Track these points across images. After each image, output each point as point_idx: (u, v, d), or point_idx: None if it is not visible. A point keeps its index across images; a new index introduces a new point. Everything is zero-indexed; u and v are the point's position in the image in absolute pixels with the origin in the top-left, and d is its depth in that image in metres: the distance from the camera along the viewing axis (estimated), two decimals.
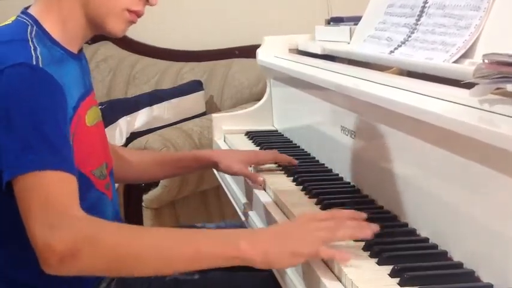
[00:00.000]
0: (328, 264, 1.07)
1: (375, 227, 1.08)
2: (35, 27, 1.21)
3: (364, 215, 1.12)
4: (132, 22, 1.28)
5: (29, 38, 1.18)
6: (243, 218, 1.60)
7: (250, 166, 1.62)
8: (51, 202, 1.03)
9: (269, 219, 1.36)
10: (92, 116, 1.29)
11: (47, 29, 1.22)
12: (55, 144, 1.09)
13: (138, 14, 1.27)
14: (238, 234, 1.10)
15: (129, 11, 1.25)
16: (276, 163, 1.65)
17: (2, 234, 1.22)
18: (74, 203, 1.06)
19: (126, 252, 1.03)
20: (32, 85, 1.12)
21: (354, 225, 1.08)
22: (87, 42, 1.37)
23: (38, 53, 1.16)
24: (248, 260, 1.04)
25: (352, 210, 1.13)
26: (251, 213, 1.51)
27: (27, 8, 1.26)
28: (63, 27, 1.24)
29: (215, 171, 1.90)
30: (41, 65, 1.14)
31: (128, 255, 1.03)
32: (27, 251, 1.16)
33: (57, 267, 1.01)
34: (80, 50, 1.31)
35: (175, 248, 1.04)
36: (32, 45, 1.17)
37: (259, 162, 1.63)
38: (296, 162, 1.61)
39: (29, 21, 1.22)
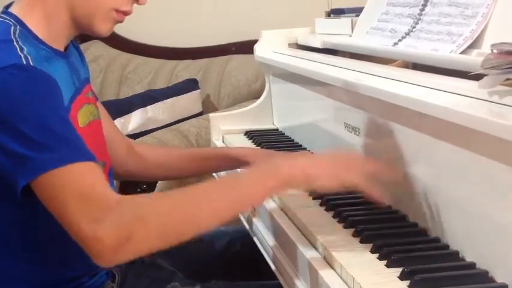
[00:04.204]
0: (333, 267, 1.05)
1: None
2: (18, 26, 1.18)
3: None
4: (119, 21, 1.25)
5: (13, 38, 1.15)
6: (244, 222, 1.56)
7: None
8: (87, 195, 1.02)
9: (271, 221, 1.34)
10: (84, 115, 1.26)
11: (31, 28, 1.19)
12: (67, 137, 1.07)
13: (126, 14, 1.25)
14: (276, 164, 1.12)
15: (117, 11, 1.23)
16: None
17: None
18: (108, 189, 1.06)
19: (175, 221, 1.05)
20: (27, 85, 1.08)
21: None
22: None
23: (26, 52, 1.13)
24: (290, 180, 1.09)
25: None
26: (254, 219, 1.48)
27: (7, 7, 1.23)
28: (48, 26, 1.21)
29: (214, 174, 1.87)
30: (31, 64, 1.11)
31: (177, 223, 1.05)
32: (19, 264, 1.13)
33: (112, 258, 1.01)
34: (67, 48, 1.27)
35: (221, 198, 1.07)
36: (17, 46, 1.14)
37: None
38: None
39: (11, 21, 1.19)
